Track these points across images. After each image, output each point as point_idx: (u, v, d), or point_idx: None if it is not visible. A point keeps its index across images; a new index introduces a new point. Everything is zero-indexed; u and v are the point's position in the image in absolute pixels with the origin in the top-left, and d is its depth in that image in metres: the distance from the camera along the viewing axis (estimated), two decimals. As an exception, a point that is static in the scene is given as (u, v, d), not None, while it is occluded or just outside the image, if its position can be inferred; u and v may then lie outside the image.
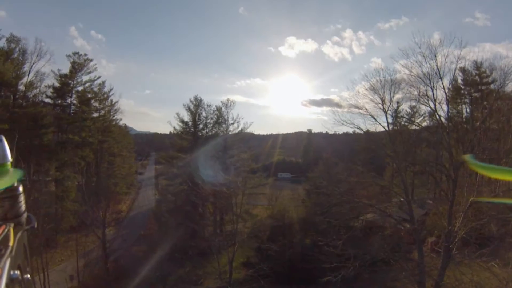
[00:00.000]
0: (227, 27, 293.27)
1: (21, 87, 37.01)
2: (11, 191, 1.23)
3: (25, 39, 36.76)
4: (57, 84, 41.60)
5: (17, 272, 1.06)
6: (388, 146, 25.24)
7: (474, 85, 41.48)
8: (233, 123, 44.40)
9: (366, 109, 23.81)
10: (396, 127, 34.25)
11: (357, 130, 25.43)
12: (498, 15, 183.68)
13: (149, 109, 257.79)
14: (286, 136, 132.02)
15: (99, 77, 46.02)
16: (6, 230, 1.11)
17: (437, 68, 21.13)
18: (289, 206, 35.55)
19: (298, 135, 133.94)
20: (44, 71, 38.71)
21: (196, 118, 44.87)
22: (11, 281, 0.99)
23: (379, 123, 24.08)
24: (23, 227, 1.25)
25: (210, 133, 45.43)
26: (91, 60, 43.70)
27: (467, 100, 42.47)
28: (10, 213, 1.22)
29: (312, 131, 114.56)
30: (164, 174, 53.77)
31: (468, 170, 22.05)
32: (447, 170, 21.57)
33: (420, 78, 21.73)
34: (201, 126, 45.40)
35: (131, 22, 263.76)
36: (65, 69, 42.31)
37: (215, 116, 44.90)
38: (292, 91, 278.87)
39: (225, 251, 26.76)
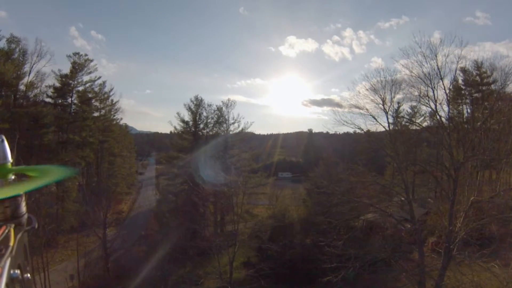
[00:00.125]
0: (228, 27, 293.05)
1: (22, 87, 37.17)
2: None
3: (25, 40, 36.92)
4: (57, 84, 41.77)
5: (17, 271, 1.06)
6: (389, 146, 25.21)
7: (475, 85, 41.48)
8: (233, 123, 44.55)
9: (367, 109, 23.83)
10: (397, 127, 34.26)
11: (358, 130, 25.43)
12: (498, 14, 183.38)
13: (149, 109, 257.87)
14: (286, 136, 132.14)
15: (99, 77, 46.26)
16: (6, 230, 1.12)
17: (438, 68, 21.12)
18: (289, 206, 35.60)
19: (298, 134, 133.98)
20: (44, 71, 38.91)
21: (197, 117, 44.95)
22: (11, 280, 1.01)
23: (380, 124, 24.12)
24: (24, 228, 1.25)
25: (210, 133, 45.53)
26: (91, 61, 43.88)
27: (467, 101, 42.47)
28: (11, 213, 1.22)
29: (313, 131, 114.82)
30: (164, 174, 53.88)
31: (469, 170, 22.09)
32: (448, 170, 21.55)
33: (421, 78, 21.73)
34: (201, 125, 45.50)
35: (132, 22, 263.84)
36: (66, 69, 42.53)
37: (216, 116, 45.05)
38: (292, 91, 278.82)
39: (225, 251, 26.75)
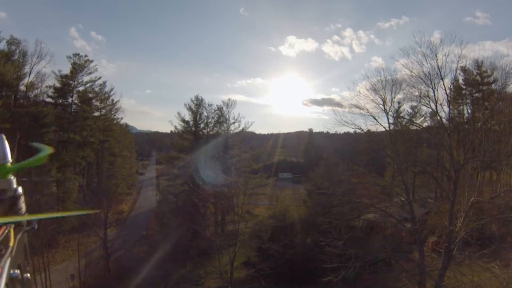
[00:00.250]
0: (228, 27, 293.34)
1: (22, 88, 37.22)
2: (11, 192, 1.24)
3: (25, 41, 37.01)
4: (58, 85, 41.84)
5: (17, 271, 1.08)
6: (389, 147, 25.22)
7: (475, 85, 41.43)
8: (234, 123, 44.60)
9: (367, 109, 23.82)
10: (397, 128, 34.26)
11: (358, 131, 25.44)
12: (498, 14, 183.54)
13: (150, 109, 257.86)
14: (287, 136, 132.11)
15: (99, 78, 46.40)
16: (6, 231, 1.12)
17: (438, 68, 21.11)
18: (290, 206, 35.58)
19: (299, 134, 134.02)
20: (45, 72, 38.92)
21: (197, 117, 44.96)
22: (11, 280, 1.02)
23: (380, 124, 24.12)
24: (24, 228, 1.25)
25: (211, 133, 45.53)
26: (91, 61, 43.97)
27: (468, 101, 42.44)
28: (11, 214, 1.23)
29: (313, 131, 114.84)
30: (165, 174, 53.89)
31: (469, 171, 22.09)
32: (448, 171, 21.57)
33: (421, 78, 21.73)
34: (202, 125, 45.50)
35: (132, 22, 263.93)
36: (66, 70, 42.62)
37: (216, 115, 45.07)
38: (293, 91, 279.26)
39: (226, 251, 26.78)
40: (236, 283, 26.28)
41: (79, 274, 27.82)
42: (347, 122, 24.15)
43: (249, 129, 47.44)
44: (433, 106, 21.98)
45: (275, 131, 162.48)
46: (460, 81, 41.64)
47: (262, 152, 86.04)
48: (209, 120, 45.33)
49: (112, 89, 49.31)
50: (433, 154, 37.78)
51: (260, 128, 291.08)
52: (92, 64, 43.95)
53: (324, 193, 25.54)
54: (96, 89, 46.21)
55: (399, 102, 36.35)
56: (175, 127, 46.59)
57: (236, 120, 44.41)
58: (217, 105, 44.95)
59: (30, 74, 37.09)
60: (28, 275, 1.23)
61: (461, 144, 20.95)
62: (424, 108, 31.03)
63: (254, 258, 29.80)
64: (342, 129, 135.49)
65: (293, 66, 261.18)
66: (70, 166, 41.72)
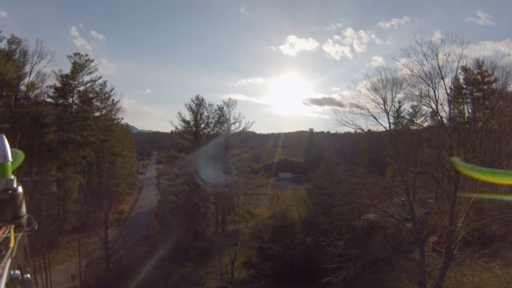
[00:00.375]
0: (228, 26, 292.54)
1: (23, 88, 37.21)
2: (11, 193, 1.24)
3: (26, 40, 36.94)
4: (58, 84, 41.85)
5: (18, 272, 1.08)
6: (390, 147, 25.22)
7: (476, 84, 41.37)
8: (234, 122, 44.63)
9: (368, 109, 23.83)
10: (398, 127, 34.23)
11: (359, 131, 25.44)
12: (499, 14, 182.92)
13: (150, 108, 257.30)
14: (287, 135, 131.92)
15: (100, 77, 46.43)
16: (6, 231, 1.13)
17: (439, 68, 21.12)
18: (290, 206, 35.60)
19: (299, 134, 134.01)
20: (45, 71, 38.93)
21: (198, 117, 45.02)
22: (11, 280, 1.03)
23: (381, 124, 24.13)
24: (24, 229, 1.26)
25: (211, 132, 45.55)
26: (92, 61, 43.97)
27: (468, 100, 42.38)
28: (11, 214, 1.23)
29: (314, 130, 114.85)
30: (165, 174, 53.92)
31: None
32: (449, 171, 21.54)
33: (422, 78, 21.72)
34: (202, 125, 45.55)
35: (132, 22, 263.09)
36: (66, 70, 42.62)
37: (217, 115, 45.11)
38: (293, 90, 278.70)
39: (226, 251, 26.80)
40: (237, 283, 26.31)
41: (79, 274, 27.86)
42: (347, 122, 24.19)
43: (250, 129, 47.55)
44: (434, 106, 22.01)
45: (276, 131, 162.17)
46: (461, 80, 41.58)
47: (263, 152, 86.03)
48: (210, 120, 45.45)
49: (112, 89, 49.49)
50: (433, 154, 37.74)
51: (260, 127, 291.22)
52: (92, 64, 44.03)
53: (325, 193, 25.56)
54: (97, 89, 46.33)
55: (399, 102, 36.42)
56: (176, 127, 46.77)
57: (236, 120, 44.50)
58: (217, 105, 45.08)
59: (30, 74, 37.15)
60: (29, 275, 1.24)
61: (461, 144, 20.93)
62: (425, 107, 31.00)
63: (255, 258, 29.84)
64: (342, 129, 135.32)
65: (293, 65, 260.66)
66: (70, 166, 41.77)
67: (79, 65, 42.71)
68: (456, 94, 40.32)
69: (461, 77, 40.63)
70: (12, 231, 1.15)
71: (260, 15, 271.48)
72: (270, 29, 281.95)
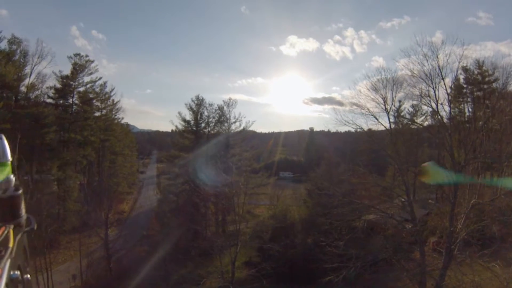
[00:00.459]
0: (228, 26, 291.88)
1: (23, 89, 37.15)
2: (10, 192, 1.23)
3: (26, 41, 36.82)
4: (58, 85, 41.84)
5: (17, 272, 1.08)
6: (390, 147, 25.21)
7: (476, 84, 41.30)
8: (235, 122, 44.65)
9: (368, 108, 23.79)
10: (398, 126, 34.19)
11: (359, 130, 25.43)
12: (500, 14, 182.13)
13: (150, 108, 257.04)
14: (288, 134, 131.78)
15: (100, 78, 46.49)
16: (6, 231, 1.11)
17: (439, 68, 21.08)
18: (291, 206, 35.61)
19: (300, 133, 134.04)
20: (45, 72, 38.83)
21: (198, 117, 45.05)
22: (11, 281, 1.02)
23: (381, 123, 24.10)
24: (23, 229, 1.25)
25: (212, 132, 45.57)
26: (92, 61, 43.94)
27: (469, 99, 42.33)
28: (10, 214, 1.21)
29: (314, 129, 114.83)
30: (165, 173, 53.95)
31: (470, 173, 22.04)
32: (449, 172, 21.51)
33: (422, 78, 21.69)
34: (203, 125, 45.58)
35: (132, 22, 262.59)
36: (67, 70, 42.60)
37: (217, 115, 45.15)
38: (293, 89, 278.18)
39: (227, 251, 26.87)
40: (237, 283, 26.38)
41: (80, 274, 27.93)
42: (347, 122, 24.19)
43: (250, 128, 47.58)
44: (434, 106, 21.98)
45: (276, 130, 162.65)
46: (461, 80, 41.53)
47: (263, 151, 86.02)
48: (210, 120, 45.49)
49: (112, 89, 49.50)
50: (434, 154, 37.73)
51: (261, 127, 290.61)
52: (93, 65, 44.00)
53: (325, 194, 25.57)
54: (97, 90, 46.32)
55: (399, 101, 36.38)
56: (176, 126, 46.86)
57: (237, 119, 44.54)
58: (217, 105, 45.14)
59: (31, 75, 37.09)
60: (29, 276, 1.24)
61: (462, 144, 20.91)
62: (425, 107, 31.01)
63: (255, 258, 29.87)
64: (343, 128, 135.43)
65: (294, 65, 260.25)
66: (71, 165, 41.83)
67: (79, 66, 42.69)
68: (457, 94, 40.28)
69: (461, 77, 40.62)
70: (11, 231, 1.15)
71: (260, 15, 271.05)
72: (270, 29, 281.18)
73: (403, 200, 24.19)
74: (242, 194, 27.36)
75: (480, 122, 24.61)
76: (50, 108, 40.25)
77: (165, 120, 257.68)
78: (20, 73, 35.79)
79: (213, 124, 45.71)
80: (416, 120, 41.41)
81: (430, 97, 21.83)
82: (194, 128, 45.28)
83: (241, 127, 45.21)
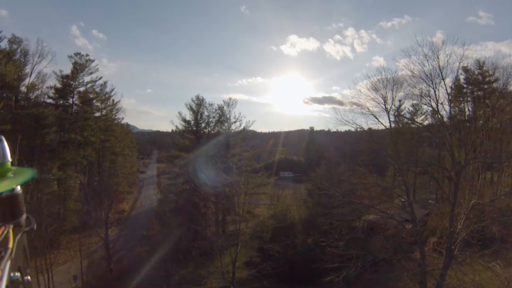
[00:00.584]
0: (229, 26, 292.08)
1: (23, 89, 37.17)
2: (10, 192, 1.20)
3: (26, 40, 36.85)
4: (59, 85, 41.83)
5: (17, 274, 1.06)
6: (390, 146, 25.21)
7: (477, 84, 41.27)
8: (235, 122, 44.64)
9: (368, 108, 23.81)
10: (398, 126, 34.15)
11: (359, 129, 25.45)
12: (501, 14, 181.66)
13: (151, 108, 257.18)
14: (288, 134, 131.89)
15: (100, 78, 46.41)
16: (5, 231, 1.10)
17: (440, 69, 21.07)
18: (291, 206, 35.61)
19: (300, 132, 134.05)
20: (46, 72, 38.87)
21: (198, 117, 45.03)
22: (11, 282, 1.01)
23: (381, 123, 24.11)
24: (23, 229, 1.23)
25: (212, 132, 45.56)
26: (92, 61, 43.91)
27: (469, 99, 42.30)
28: (9, 214, 1.19)
29: (314, 129, 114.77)
30: (166, 173, 53.98)
31: (470, 173, 22.05)
32: (449, 172, 21.52)
33: (422, 78, 21.69)
34: (203, 124, 45.56)
35: (133, 21, 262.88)
36: (67, 69, 42.56)
37: (217, 115, 45.13)
38: (293, 89, 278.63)
39: (227, 251, 26.89)
40: (238, 283, 26.40)
41: (81, 275, 27.93)
42: (348, 121, 24.21)
43: (250, 128, 47.57)
44: (434, 105, 21.97)
45: (276, 130, 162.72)
46: (462, 80, 41.50)
47: (263, 151, 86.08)
48: (210, 120, 45.46)
49: (113, 89, 49.53)
50: (434, 154, 37.69)
51: (261, 126, 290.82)
52: (93, 64, 43.98)
53: (325, 194, 25.58)
54: (97, 90, 46.32)
55: (400, 101, 36.33)
56: (176, 126, 46.84)
57: (237, 119, 44.52)
58: (218, 105, 45.09)
59: (31, 75, 37.12)
60: (29, 277, 1.22)
61: (462, 144, 20.90)
62: (425, 106, 31.01)
63: (256, 258, 29.88)
64: (343, 128, 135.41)
65: (294, 65, 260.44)
66: (71, 165, 41.86)
67: (80, 65, 42.67)
68: (457, 93, 40.25)
69: (461, 77, 40.59)
70: (11, 231, 1.13)
71: (261, 15, 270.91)
72: (271, 29, 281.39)
73: (403, 200, 24.20)
74: (242, 194, 27.36)
75: (481, 122, 24.63)
76: (50, 109, 40.24)
77: (165, 120, 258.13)
78: (21, 73, 35.81)
79: (213, 124, 45.74)
80: (416, 120, 41.39)
81: (430, 97, 21.85)
82: (194, 128, 45.26)
83: (241, 127, 45.26)
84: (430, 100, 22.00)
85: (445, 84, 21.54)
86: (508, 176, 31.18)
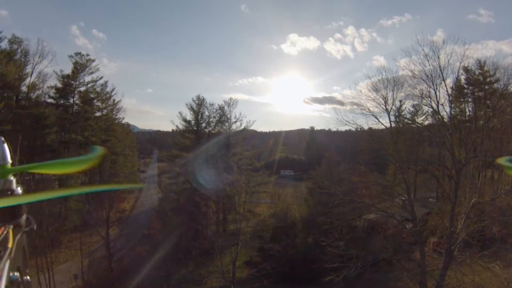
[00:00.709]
0: (229, 25, 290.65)
1: (24, 88, 37.26)
2: (10, 193, 1.20)
3: (27, 40, 37.00)
4: (59, 85, 41.90)
5: (17, 273, 1.06)
6: (391, 146, 25.21)
7: (477, 84, 41.17)
8: (235, 122, 44.66)
9: (369, 108, 23.88)
10: (399, 126, 34.14)
11: (360, 129, 25.48)
12: (502, 12, 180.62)
13: (151, 108, 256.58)
14: (288, 133, 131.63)
15: (101, 77, 46.43)
16: (5, 232, 1.09)
17: (440, 69, 21.08)
18: (291, 205, 35.65)
19: (300, 132, 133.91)
20: (46, 71, 38.99)
21: (199, 117, 45.10)
22: (10, 283, 1.01)
23: (382, 123, 24.13)
24: (22, 229, 1.22)
25: (213, 131, 45.59)
26: (93, 61, 43.99)
27: (470, 99, 42.22)
28: (9, 214, 1.18)
29: (315, 128, 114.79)
30: (166, 172, 54.07)
31: (470, 171, 22.05)
32: (449, 171, 21.53)
33: (423, 79, 21.69)
34: (204, 124, 45.64)
35: (133, 21, 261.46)
36: (68, 69, 42.66)
37: (218, 114, 45.16)
38: (294, 89, 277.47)
39: (228, 251, 26.93)
40: (238, 283, 26.45)
41: (82, 274, 28.00)
42: (348, 122, 24.25)
43: (251, 128, 47.62)
44: (435, 106, 22.01)
45: (277, 129, 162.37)
46: (462, 80, 41.41)
47: (264, 150, 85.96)
48: (211, 120, 45.53)
49: (113, 89, 49.53)
50: (434, 153, 37.64)
51: (261, 126, 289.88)
52: (93, 64, 44.06)
53: (326, 192, 25.62)
54: (98, 89, 46.35)
55: (400, 101, 36.28)
56: (177, 126, 46.87)
57: (237, 119, 44.57)
58: (218, 105, 45.15)
59: (32, 74, 37.25)
60: (28, 277, 1.21)
61: (462, 143, 20.90)
62: (426, 107, 30.99)
63: (256, 257, 29.92)
64: (343, 127, 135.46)
65: (294, 64, 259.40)
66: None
67: (80, 65, 42.73)
68: (457, 94, 40.18)
69: (462, 77, 40.52)
70: (10, 231, 1.12)
71: (261, 14, 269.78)
72: (271, 28, 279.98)
73: (403, 199, 24.22)
74: (243, 193, 27.41)
75: (481, 122, 24.62)
76: (51, 109, 40.34)
77: (166, 120, 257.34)
78: (21, 73, 35.91)
79: (214, 124, 45.82)
80: (416, 120, 41.36)
81: (431, 98, 21.89)
82: (195, 128, 45.32)
83: (242, 127, 45.30)
84: (430, 101, 22.07)
85: (445, 85, 21.60)
86: (509, 175, 31.14)
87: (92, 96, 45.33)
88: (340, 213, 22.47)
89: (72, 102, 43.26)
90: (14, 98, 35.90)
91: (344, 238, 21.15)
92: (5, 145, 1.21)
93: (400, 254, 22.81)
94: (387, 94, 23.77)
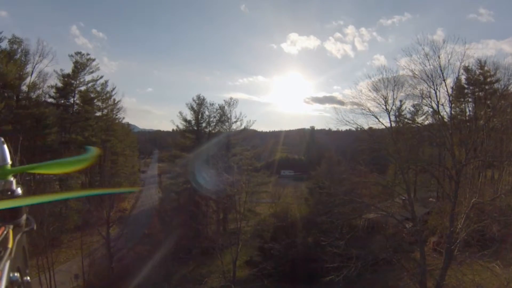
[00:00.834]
0: (229, 24, 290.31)
1: (24, 88, 37.26)
2: (10, 194, 1.20)
3: (27, 40, 37.04)
4: (60, 84, 41.93)
5: (17, 274, 1.06)
6: (391, 145, 25.23)
7: (478, 84, 41.15)
8: (236, 121, 44.68)
9: (369, 108, 23.88)
10: (399, 125, 34.15)
11: (360, 129, 25.49)
12: (502, 11, 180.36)
13: (151, 107, 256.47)
14: (288, 133, 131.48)
15: (101, 77, 46.40)
16: (5, 232, 1.09)
17: (440, 69, 21.07)
18: (292, 205, 35.68)
19: (300, 131, 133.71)
20: (46, 71, 39.00)
21: (199, 116, 45.08)
22: (10, 283, 1.01)
23: (382, 123, 24.14)
24: (23, 229, 1.23)
25: (213, 131, 45.61)
26: (93, 60, 43.99)
27: (470, 99, 42.19)
28: (9, 215, 1.18)
29: (315, 128, 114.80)
30: (167, 172, 54.11)
31: (471, 171, 22.07)
32: (450, 171, 21.54)
33: (423, 79, 21.70)
34: (204, 124, 45.63)
35: (133, 20, 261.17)
36: (68, 69, 42.64)
37: (218, 114, 45.17)
38: (294, 88, 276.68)
39: (228, 250, 26.96)
40: (239, 282, 26.47)
41: (83, 274, 28.00)
42: (348, 121, 24.26)
43: (251, 127, 47.65)
44: (435, 106, 22.00)
45: (277, 129, 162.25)
46: (463, 80, 41.38)
47: (264, 150, 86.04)
48: (211, 119, 45.53)
49: (113, 89, 49.46)
50: (434, 153, 37.66)
51: (261, 125, 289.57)
52: (94, 63, 44.07)
53: (326, 192, 25.65)
54: (98, 89, 46.32)
55: (400, 101, 36.28)
56: (177, 126, 46.89)
57: (238, 119, 44.60)
58: (218, 104, 45.19)
59: (32, 74, 37.24)
60: (28, 278, 1.22)
61: (463, 143, 20.91)
62: (426, 107, 30.99)
63: (256, 257, 29.97)
64: (344, 127, 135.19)
65: (294, 63, 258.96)
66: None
67: (81, 64, 42.74)
68: (458, 93, 40.16)
69: (463, 77, 40.49)
70: (10, 231, 1.12)
71: (260, 13, 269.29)
72: (271, 27, 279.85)
73: (403, 198, 24.24)
74: (244, 193, 27.45)
75: (481, 122, 24.64)
76: (52, 109, 40.36)
77: (166, 119, 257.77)
78: (22, 72, 35.91)
79: (214, 123, 45.82)
80: (417, 120, 41.35)
81: (431, 98, 21.88)
82: (195, 128, 45.31)
83: (242, 127, 45.33)
84: (431, 101, 22.06)
85: (446, 85, 21.59)
86: (509, 174, 31.15)
87: (92, 95, 45.31)
88: (340, 213, 22.49)
89: (72, 101, 43.30)
90: (15, 98, 35.91)
91: (344, 238, 21.15)
92: (5, 146, 1.22)
93: (400, 253, 22.85)
94: (387, 94, 23.81)
